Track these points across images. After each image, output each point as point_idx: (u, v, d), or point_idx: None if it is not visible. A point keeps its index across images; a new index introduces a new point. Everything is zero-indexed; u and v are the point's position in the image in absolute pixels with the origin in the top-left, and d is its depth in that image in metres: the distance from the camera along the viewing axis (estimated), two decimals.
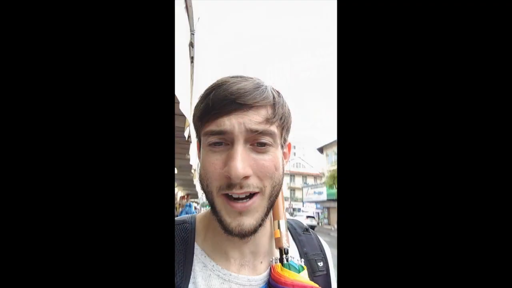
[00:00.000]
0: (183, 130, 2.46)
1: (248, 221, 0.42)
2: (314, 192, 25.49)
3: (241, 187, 0.40)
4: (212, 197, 0.43)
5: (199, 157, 0.50)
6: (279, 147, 0.45)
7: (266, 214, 0.44)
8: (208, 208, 0.53)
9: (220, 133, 0.41)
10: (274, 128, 0.43)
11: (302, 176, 36.49)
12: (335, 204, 19.68)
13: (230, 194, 0.41)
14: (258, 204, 0.42)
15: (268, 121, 0.42)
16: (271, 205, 0.45)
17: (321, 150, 28.29)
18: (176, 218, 0.51)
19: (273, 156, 0.43)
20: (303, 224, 0.60)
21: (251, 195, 0.42)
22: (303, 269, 0.45)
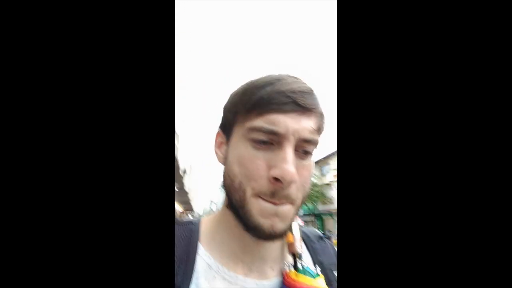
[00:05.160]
0: None
1: (280, 225, 0.40)
2: None
3: (284, 197, 0.39)
4: (243, 196, 0.40)
5: (218, 148, 0.47)
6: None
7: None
8: (213, 213, 0.52)
9: (272, 132, 0.38)
10: (318, 139, 0.42)
11: None
12: (310, 218, 20.46)
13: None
14: (292, 212, 0.41)
15: (319, 131, 0.41)
16: (296, 214, 0.44)
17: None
18: (182, 220, 0.51)
19: (310, 166, 0.42)
20: (317, 232, 0.57)
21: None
22: (318, 276, 0.43)
